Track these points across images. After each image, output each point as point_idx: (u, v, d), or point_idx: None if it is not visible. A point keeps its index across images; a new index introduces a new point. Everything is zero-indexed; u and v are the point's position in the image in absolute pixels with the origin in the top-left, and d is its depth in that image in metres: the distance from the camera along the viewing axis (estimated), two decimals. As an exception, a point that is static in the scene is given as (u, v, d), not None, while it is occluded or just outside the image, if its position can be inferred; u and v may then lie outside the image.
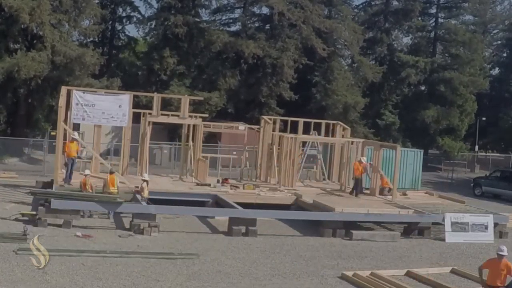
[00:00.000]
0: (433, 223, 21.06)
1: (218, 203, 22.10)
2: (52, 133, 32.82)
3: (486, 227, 21.08)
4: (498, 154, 57.67)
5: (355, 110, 44.87)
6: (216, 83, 42.01)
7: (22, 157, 34.95)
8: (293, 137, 26.15)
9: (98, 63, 35.12)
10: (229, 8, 48.39)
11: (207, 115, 31.74)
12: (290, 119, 29.77)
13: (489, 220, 21.33)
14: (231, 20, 49.38)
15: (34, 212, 18.73)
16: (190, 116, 26.75)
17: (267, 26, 47.01)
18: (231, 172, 29.17)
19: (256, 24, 47.98)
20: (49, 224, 17.86)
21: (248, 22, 46.90)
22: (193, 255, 15.90)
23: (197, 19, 43.77)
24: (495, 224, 21.53)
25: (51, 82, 33.55)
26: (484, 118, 55.28)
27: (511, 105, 55.45)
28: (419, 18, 53.70)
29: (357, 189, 24.13)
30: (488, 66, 60.84)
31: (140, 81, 43.95)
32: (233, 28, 48.65)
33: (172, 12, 42.02)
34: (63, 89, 23.92)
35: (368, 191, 24.76)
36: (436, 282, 14.84)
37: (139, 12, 47.34)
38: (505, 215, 23.13)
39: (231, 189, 23.91)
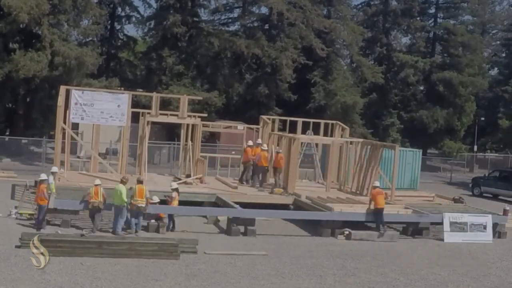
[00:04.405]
0: (432, 223, 21.05)
1: (217, 202, 22.08)
2: (51, 133, 32.79)
3: (485, 227, 21.10)
4: (496, 154, 57.73)
5: (354, 110, 44.88)
6: (215, 82, 41.98)
7: (20, 156, 34.92)
8: (292, 137, 26.11)
9: (97, 63, 35.12)
10: (228, 8, 48.39)
11: (206, 115, 31.71)
12: (289, 118, 29.68)
13: (487, 220, 21.34)
14: (230, 20, 49.47)
15: (32, 212, 18.73)
16: (189, 116, 26.74)
17: (266, 26, 47.02)
18: (230, 172, 29.15)
19: (255, 24, 47.97)
20: (48, 224, 17.87)
21: (247, 22, 46.90)
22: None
23: (196, 19, 43.78)
24: (494, 224, 21.54)
25: (50, 81, 33.52)
26: (482, 118, 55.31)
27: (509, 105, 55.48)
28: (418, 18, 53.85)
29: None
30: (487, 66, 60.90)
31: (139, 80, 43.97)
32: (232, 28, 48.80)
33: (171, 12, 41.96)
34: (62, 89, 23.90)
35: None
36: None
37: (138, 12, 47.36)
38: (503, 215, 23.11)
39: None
